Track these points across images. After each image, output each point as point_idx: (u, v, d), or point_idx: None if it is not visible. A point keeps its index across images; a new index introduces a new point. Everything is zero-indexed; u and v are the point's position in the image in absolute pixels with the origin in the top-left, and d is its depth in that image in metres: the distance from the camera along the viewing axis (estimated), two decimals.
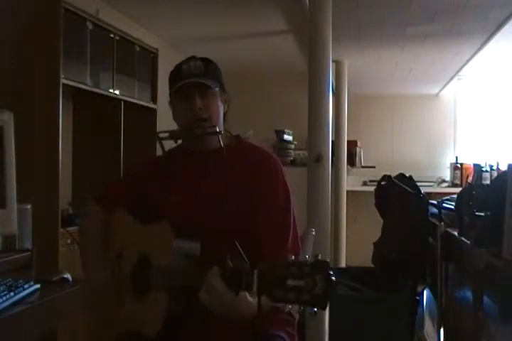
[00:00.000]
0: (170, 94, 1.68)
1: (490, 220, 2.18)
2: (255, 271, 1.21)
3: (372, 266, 3.87)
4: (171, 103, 1.70)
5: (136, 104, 4.02)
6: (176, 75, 1.63)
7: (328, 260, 1.16)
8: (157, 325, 1.44)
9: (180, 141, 1.73)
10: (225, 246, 1.52)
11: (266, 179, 1.61)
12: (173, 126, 1.73)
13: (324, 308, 1.13)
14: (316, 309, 1.13)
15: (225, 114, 1.69)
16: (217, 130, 1.58)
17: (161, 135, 1.63)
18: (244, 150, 1.69)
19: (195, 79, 1.58)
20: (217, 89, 1.63)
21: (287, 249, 1.54)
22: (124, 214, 1.67)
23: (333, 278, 1.13)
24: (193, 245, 1.47)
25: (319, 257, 1.15)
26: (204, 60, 1.64)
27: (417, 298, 3.63)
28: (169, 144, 1.73)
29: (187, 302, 1.41)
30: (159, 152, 1.75)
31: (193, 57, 1.65)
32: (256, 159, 1.65)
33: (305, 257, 1.21)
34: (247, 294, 1.27)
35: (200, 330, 1.51)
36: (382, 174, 4.08)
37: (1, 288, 1.56)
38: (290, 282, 1.14)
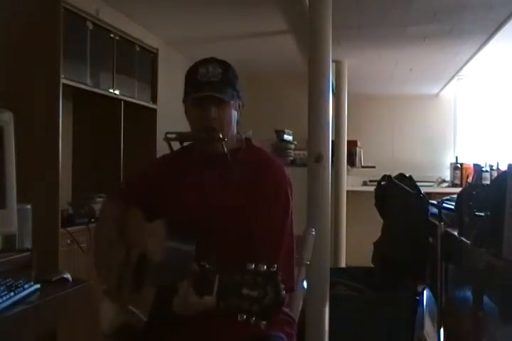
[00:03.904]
0: (185, 95, 1.68)
1: (490, 220, 2.18)
2: (217, 276, 1.24)
3: (372, 266, 3.87)
4: (185, 102, 1.70)
5: (136, 104, 4.02)
6: (192, 79, 1.63)
7: (278, 272, 1.16)
8: (141, 321, 1.48)
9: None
10: (222, 245, 1.55)
11: (267, 186, 1.64)
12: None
13: (270, 320, 1.14)
14: (264, 322, 1.14)
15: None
16: (221, 137, 1.61)
17: (169, 136, 1.68)
18: (252, 155, 1.72)
19: (212, 93, 1.59)
20: (232, 101, 1.65)
21: (279, 253, 1.58)
22: (137, 212, 1.69)
23: (284, 291, 1.15)
24: (187, 245, 1.49)
25: (273, 269, 1.17)
26: (222, 65, 1.64)
27: (417, 298, 3.64)
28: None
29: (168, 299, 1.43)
30: (160, 152, 1.77)
31: (211, 60, 1.65)
32: (261, 165, 1.69)
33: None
34: (210, 298, 1.29)
35: (193, 330, 1.51)
36: (382, 174, 4.08)
37: (1, 288, 1.56)
38: (245, 291, 1.16)
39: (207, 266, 1.31)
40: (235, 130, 1.71)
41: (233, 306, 1.17)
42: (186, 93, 1.67)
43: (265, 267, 1.17)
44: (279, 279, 1.15)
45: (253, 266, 1.18)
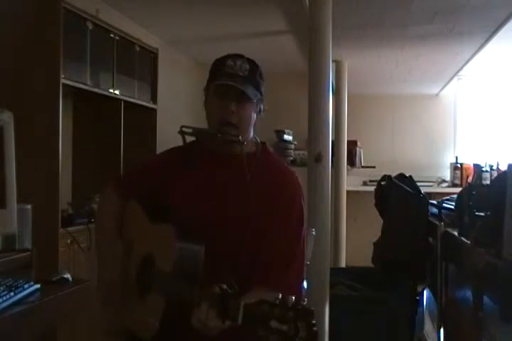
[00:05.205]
0: (208, 83, 1.63)
1: (490, 220, 2.18)
2: (242, 304, 1.19)
3: (372, 266, 3.88)
4: (206, 91, 1.64)
5: (136, 104, 4.02)
6: (218, 69, 1.58)
7: (312, 309, 1.10)
8: (152, 329, 1.43)
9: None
10: (230, 250, 1.52)
11: (283, 197, 1.59)
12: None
13: None
14: None
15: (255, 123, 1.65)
16: (239, 139, 1.55)
17: (185, 129, 1.59)
18: (268, 162, 1.66)
19: (237, 85, 1.53)
20: (254, 100, 1.59)
21: (291, 272, 1.53)
22: (137, 207, 1.64)
23: (315, 328, 1.09)
24: (197, 248, 1.45)
25: (304, 302, 1.12)
26: (251, 63, 1.60)
27: (417, 298, 3.64)
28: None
29: (180, 311, 1.38)
30: (160, 150, 1.72)
31: (241, 55, 1.61)
32: (277, 175, 1.63)
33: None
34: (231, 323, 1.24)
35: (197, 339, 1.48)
36: (382, 174, 4.08)
37: (1, 288, 1.56)
38: (273, 323, 1.10)
39: (229, 290, 1.25)
40: (252, 133, 1.64)
41: (261, 337, 1.12)
42: (209, 81, 1.61)
43: (293, 298, 1.12)
44: (312, 315, 1.10)
45: (280, 297, 1.12)
